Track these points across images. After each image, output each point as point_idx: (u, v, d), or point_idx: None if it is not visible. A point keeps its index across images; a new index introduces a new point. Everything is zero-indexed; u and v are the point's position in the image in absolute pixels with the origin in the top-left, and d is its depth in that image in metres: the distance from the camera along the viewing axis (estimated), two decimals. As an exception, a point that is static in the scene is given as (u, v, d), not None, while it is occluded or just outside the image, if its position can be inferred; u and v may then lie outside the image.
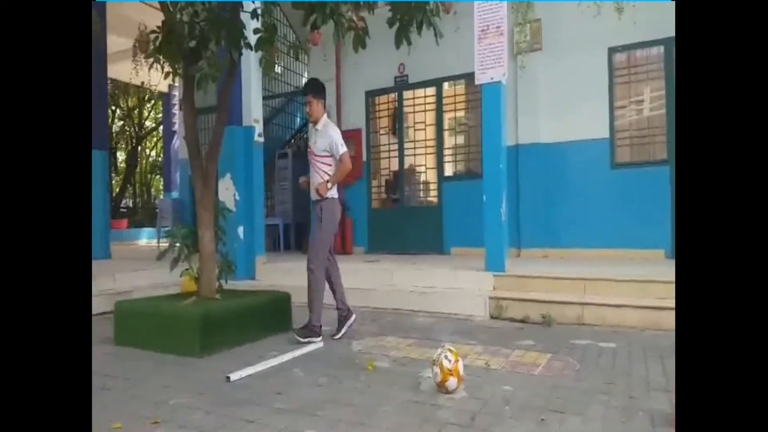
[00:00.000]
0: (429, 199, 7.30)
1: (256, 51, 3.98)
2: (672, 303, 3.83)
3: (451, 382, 2.54)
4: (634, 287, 4.10)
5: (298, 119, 10.12)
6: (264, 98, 7.81)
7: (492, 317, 4.38)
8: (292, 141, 9.77)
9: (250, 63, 5.89)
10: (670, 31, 5.48)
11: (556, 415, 2.24)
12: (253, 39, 3.97)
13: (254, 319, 3.80)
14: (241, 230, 5.96)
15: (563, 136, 6.07)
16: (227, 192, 5.98)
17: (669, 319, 3.74)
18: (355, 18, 4.67)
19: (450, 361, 2.56)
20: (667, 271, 4.41)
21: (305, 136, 8.94)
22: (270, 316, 3.97)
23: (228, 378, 2.84)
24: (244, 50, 4.04)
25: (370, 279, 5.26)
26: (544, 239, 6.11)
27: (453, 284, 4.82)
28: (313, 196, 3.75)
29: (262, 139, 6.18)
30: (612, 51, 5.86)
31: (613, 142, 5.88)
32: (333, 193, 3.72)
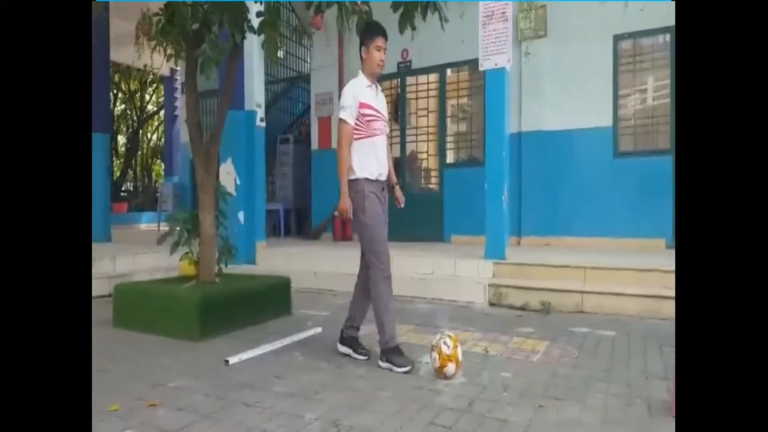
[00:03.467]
0: (430, 186, 7.27)
1: (259, 35, 3.94)
2: (672, 292, 3.83)
3: (450, 367, 2.55)
4: (634, 276, 4.10)
5: (300, 105, 10.05)
6: (266, 83, 7.76)
7: (491, 304, 4.38)
8: (294, 126, 9.72)
9: (253, 47, 5.82)
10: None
11: (554, 402, 2.25)
12: (255, 22, 3.92)
13: (254, 304, 3.81)
14: (241, 215, 5.95)
15: (567, 124, 6.02)
16: (228, 176, 5.96)
17: (669, 308, 3.74)
18: (358, 2, 4.60)
19: (449, 347, 2.56)
20: (667, 260, 4.40)
21: (307, 121, 8.89)
22: (270, 301, 3.98)
23: (227, 361, 2.85)
24: (246, 33, 3.99)
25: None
26: (546, 228, 6.09)
27: (453, 271, 4.82)
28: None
29: (263, 124, 6.14)
30: (617, 38, 5.79)
31: (616, 130, 5.83)
32: (354, 171, 2.80)
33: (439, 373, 2.58)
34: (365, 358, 2.91)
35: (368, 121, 2.82)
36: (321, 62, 7.73)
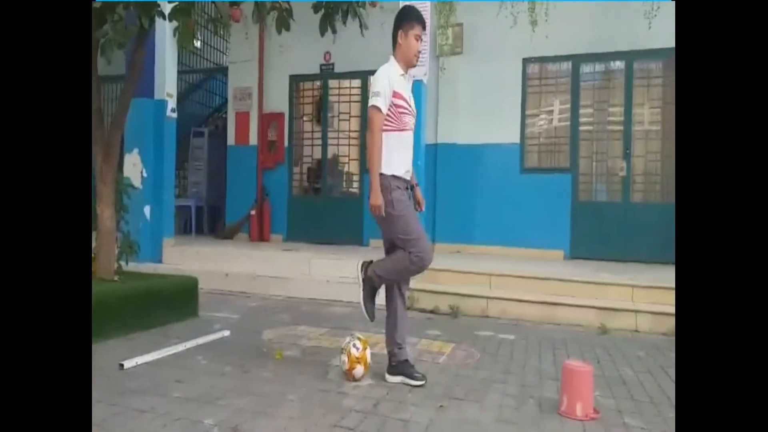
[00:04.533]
0: (351, 190, 7.31)
1: (170, 21, 3.73)
2: (565, 299, 4.20)
3: (358, 370, 2.58)
4: (534, 284, 4.42)
5: (218, 98, 9.64)
6: (180, 72, 7.35)
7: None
8: (210, 120, 9.29)
9: (166, 33, 5.50)
10: (577, 48, 5.95)
11: (455, 402, 2.36)
12: (168, 7, 3.71)
13: (156, 305, 3.58)
14: (147, 210, 5.57)
15: (479, 139, 6.35)
16: (134, 168, 5.56)
17: (563, 314, 4.09)
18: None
19: (358, 349, 2.60)
20: (564, 270, 4.82)
21: (224, 115, 8.55)
22: (174, 302, 3.77)
23: (121, 365, 2.66)
24: (157, 19, 3.76)
25: (287, 268, 5.17)
26: (458, 235, 6.37)
27: (368, 275, 4.88)
28: None
29: (175, 115, 5.81)
30: (526, 61, 6.23)
31: (523, 147, 6.26)
32: (384, 166, 2.53)
33: (348, 375, 2.60)
34: (422, 382, 2.55)
35: (400, 113, 2.56)
36: (240, 56, 7.48)
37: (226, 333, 3.46)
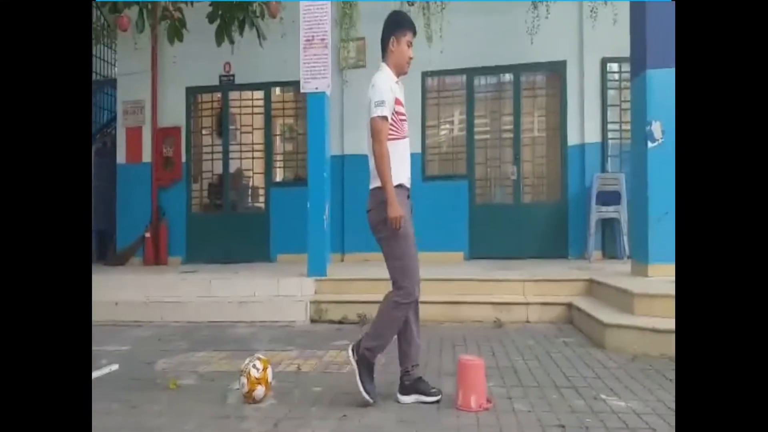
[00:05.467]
0: (256, 205, 7.11)
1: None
2: (465, 298, 4.41)
3: (259, 391, 2.49)
4: (436, 285, 4.57)
5: (106, 113, 8.93)
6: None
7: (312, 321, 4.44)
8: (98, 136, 8.57)
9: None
10: (471, 62, 6.32)
11: (358, 410, 2.36)
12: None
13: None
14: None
15: (384, 149, 6.49)
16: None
17: (463, 312, 4.30)
18: (170, 7, 4.33)
19: (258, 369, 2.51)
20: (463, 270, 5.06)
21: (113, 131, 7.94)
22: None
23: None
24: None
25: (185, 291, 4.89)
26: (366, 244, 6.35)
27: (275, 291, 4.76)
28: None
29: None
30: (425, 75, 6.51)
31: (424, 157, 6.51)
32: (394, 177, 2.42)
33: (248, 398, 2.50)
34: (438, 397, 2.43)
35: (402, 120, 2.52)
36: (130, 67, 7.02)
37: (114, 367, 3.19)
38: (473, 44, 6.24)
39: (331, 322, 4.37)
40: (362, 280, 4.74)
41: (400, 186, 2.44)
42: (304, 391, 2.64)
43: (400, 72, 2.58)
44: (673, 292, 3.51)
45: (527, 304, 4.26)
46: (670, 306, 3.39)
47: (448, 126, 6.67)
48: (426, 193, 6.42)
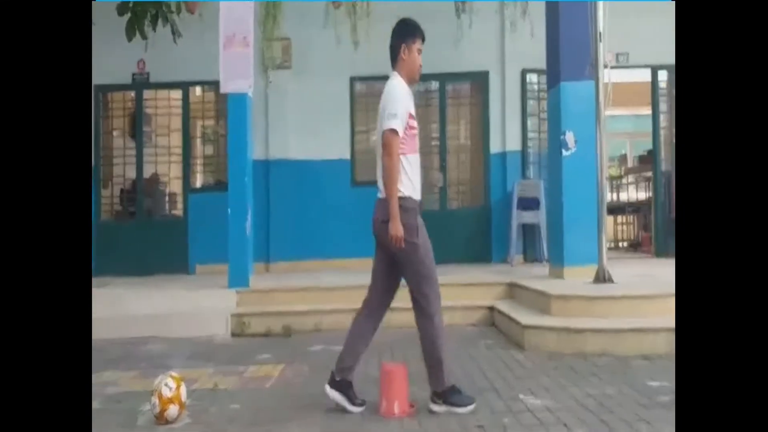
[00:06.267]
0: (174, 212, 6.69)
1: None
2: (396, 303, 4.36)
3: (172, 410, 2.31)
4: (362, 293, 4.46)
5: None
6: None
7: (234, 335, 4.21)
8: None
9: None
10: (397, 70, 6.38)
11: (281, 424, 2.27)
12: None
13: None
14: None
15: (311, 154, 6.37)
16: None
17: (394, 318, 4.22)
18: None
19: (171, 388, 2.33)
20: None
21: None
22: None
23: None
24: None
25: (93, 306, 4.44)
26: (293, 252, 6.26)
27: (193, 304, 4.47)
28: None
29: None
30: (353, 80, 6.48)
31: (354, 162, 6.47)
32: (406, 188, 2.47)
33: (160, 419, 2.31)
34: (361, 408, 2.38)
35: (413, 134, 2.49)
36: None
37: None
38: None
39: (254, 335, 4.16)
40: (288, 290, 4.60)
41: (407, 198, 2.44)
42: (222, 409, 2.48)
43: (411, 80, 2.56)
44: (585, 293, 3.75)
45: (452, 308, 4.31)
46: (584, 306, 3.60)
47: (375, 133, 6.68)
48: (356, 198, 6.37)
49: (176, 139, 6.55)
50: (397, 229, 2.36)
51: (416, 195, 2.53)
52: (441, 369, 2.38)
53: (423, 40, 2.57)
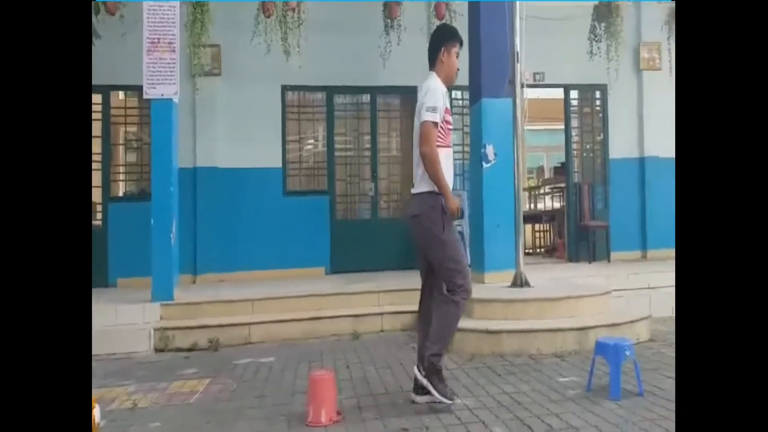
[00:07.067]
0: (93, 222, 6.27)
1: None
2: (324, 312, 4.42)
3: (84, 433, 2.18)
4: (297, 302, 4.52)
5: None
6: None
7: (157, 350, 4.03)
8: None
9: None
10: (330, 80, 6.45)
11: (202, 440, 2.21)
12: None
13: None
14: None
15: (241, 163, 6.26)
16: None
17: (323, 327, 4.30)
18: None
19: (83, 409, 2.20)
20: (323, 285, 5.08)
21: None
22: None
23: None
24: None
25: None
26: (221, 264, 6.10)
27: (112, 320, 4.23)
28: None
29: None
30: (284, 89, 6.46)
31: (285, 171, 6.43)
32: (434, 184, 2.54)
33: (71, 443, 2.17)
34: (453, 401, 2.47)
35: (449, 129, 2.62)
36: None
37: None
38: (331, 62, 6.37)
39: (179, 350, 4.02)
40: (215, 302, 4.48)
41: (439, 195, 2.52)
42: (141, 429, 2.39)
43: (448, 82, 2.68)
44: (503, 296, 3.99)
45: (381, 314, 4.44)
46: (502, 309, 3.84)
47: (310, 141, 6.69)
48: (287, 208, 6.33)
49: (95, 146, 6.16)
50: (454, 202, 2.50)
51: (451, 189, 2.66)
52: (439, 344, 2.48)
53: (461, 44, 2.72)
